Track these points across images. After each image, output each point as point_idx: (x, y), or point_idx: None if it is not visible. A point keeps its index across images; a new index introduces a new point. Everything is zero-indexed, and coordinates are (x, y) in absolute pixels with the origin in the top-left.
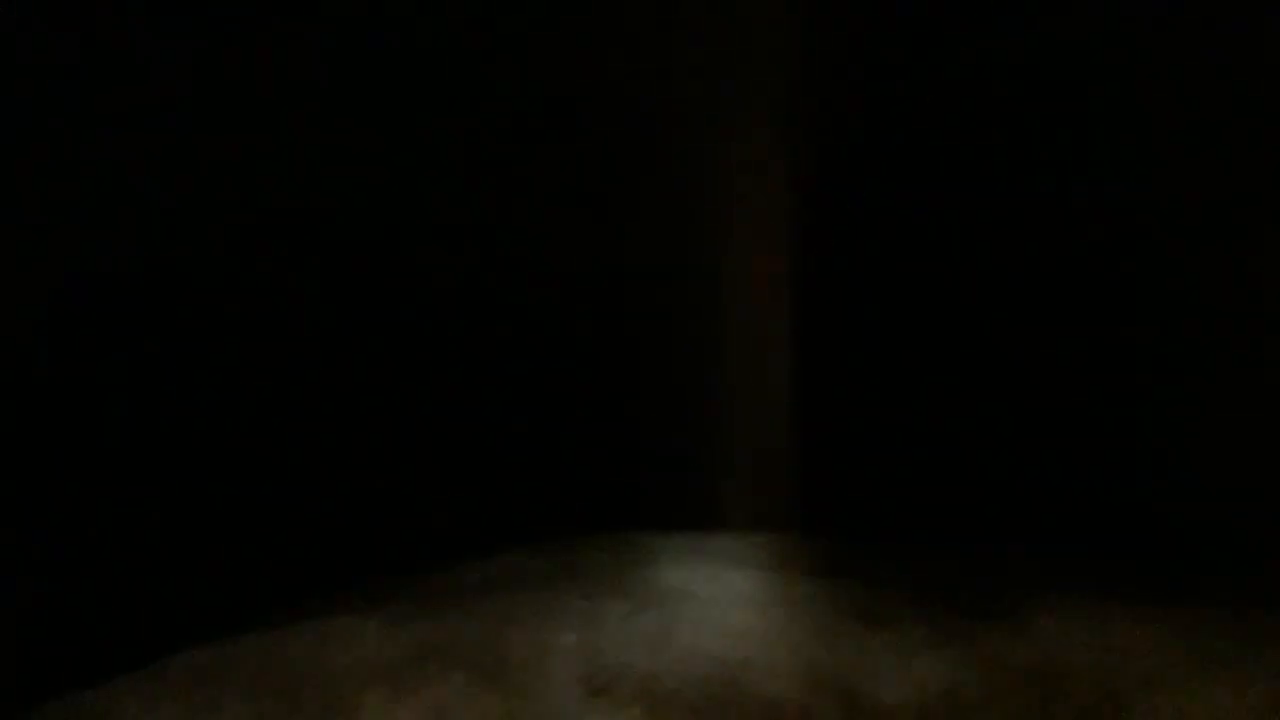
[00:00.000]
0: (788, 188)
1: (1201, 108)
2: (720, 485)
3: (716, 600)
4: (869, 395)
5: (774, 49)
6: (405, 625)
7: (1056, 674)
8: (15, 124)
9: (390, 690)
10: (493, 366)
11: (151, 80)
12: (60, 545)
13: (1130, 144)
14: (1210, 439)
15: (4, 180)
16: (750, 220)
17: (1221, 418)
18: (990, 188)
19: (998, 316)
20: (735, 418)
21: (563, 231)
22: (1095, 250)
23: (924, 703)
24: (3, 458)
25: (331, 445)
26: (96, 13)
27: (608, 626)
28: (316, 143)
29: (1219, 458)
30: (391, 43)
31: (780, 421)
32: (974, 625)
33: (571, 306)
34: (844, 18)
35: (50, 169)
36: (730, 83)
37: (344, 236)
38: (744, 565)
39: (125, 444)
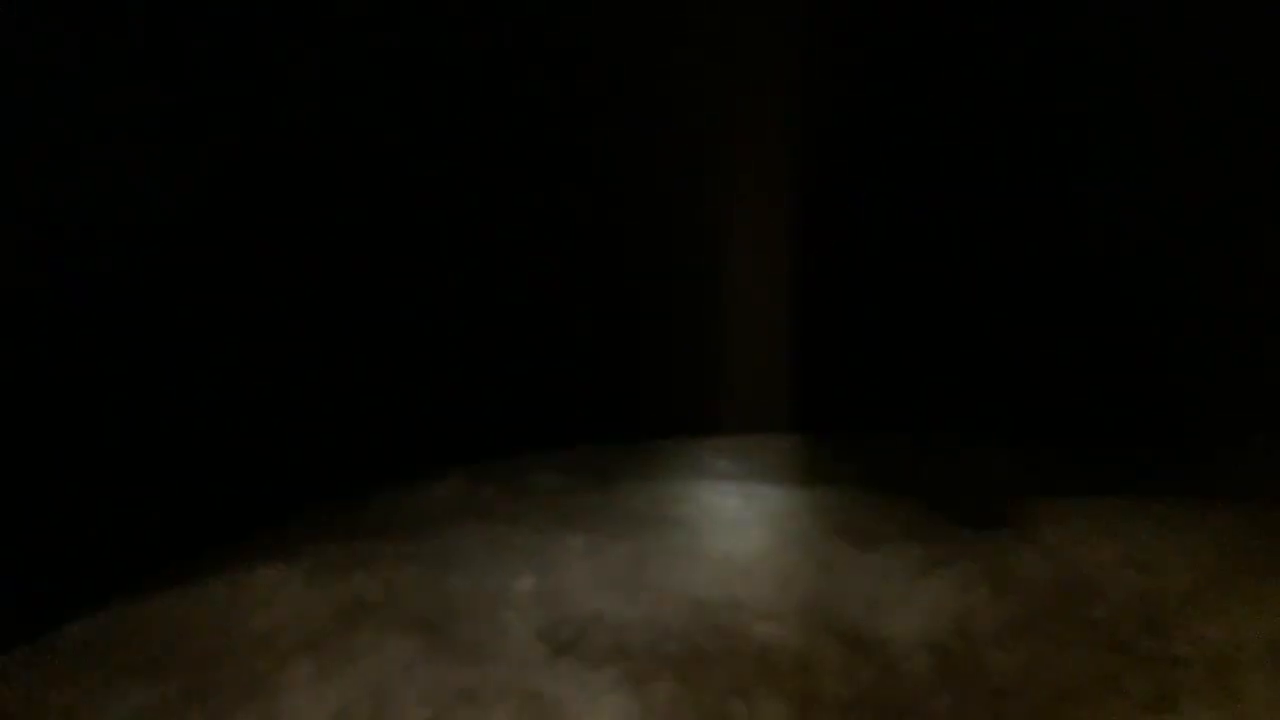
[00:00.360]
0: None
1: (1201, 108)
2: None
3: (690, 524)
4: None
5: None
6: (334, 577)
7: (1080, 595)
8: (15, 124)
9: (318, 662)
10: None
11: (153, 82)
12: None
13: (1130, 144)
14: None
15: (4, 180)
16: (750, 163)
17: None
18: (989, 186)
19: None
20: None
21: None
22: (1094, 249)
23: (935, 636)
24: None
25: (247, 356)
26: (97, 14)
27: (569, 566)
28: (318, 143)
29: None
30: (390, 42)
31: (775, 319)
32: (976, 537)
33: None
34: (845, 15)
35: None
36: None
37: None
38: (714, 477)
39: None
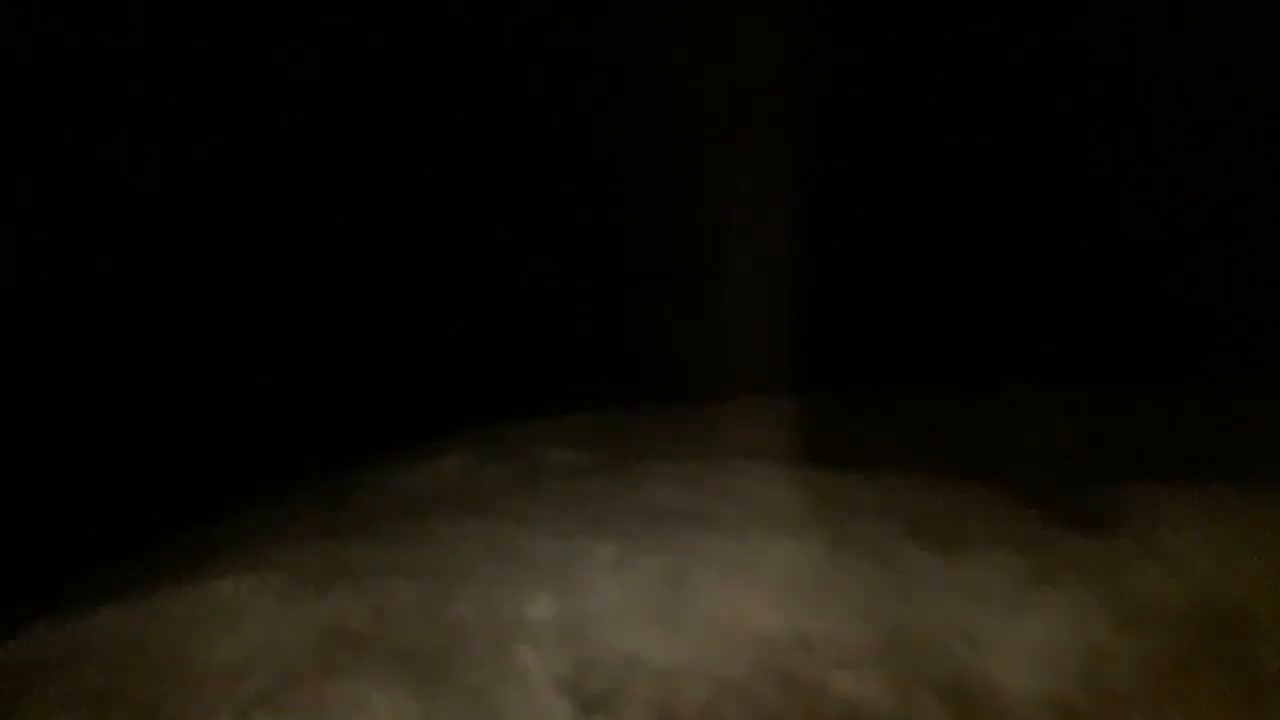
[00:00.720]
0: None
1: (1201, 108)
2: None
3: (735, 524)
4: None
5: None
6: (311, 595)
7: (1231, 627)
8: (15, 124)
9: None
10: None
11: (153, 82)
12: None
13: (1130, 144)
14: None
15: (4, 180)
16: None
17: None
18: (989, 186)
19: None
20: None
21: None
22: (1093, 249)
23: (1058, 689)
24: None
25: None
26: (97, 14)
27: (594, 584)
28: (320, 141)
29: None
30: (390, 42)
31: (774, 319)
32: (1078, 540)
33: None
34: (845, 15)
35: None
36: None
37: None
38: (749, 456)
39: None
